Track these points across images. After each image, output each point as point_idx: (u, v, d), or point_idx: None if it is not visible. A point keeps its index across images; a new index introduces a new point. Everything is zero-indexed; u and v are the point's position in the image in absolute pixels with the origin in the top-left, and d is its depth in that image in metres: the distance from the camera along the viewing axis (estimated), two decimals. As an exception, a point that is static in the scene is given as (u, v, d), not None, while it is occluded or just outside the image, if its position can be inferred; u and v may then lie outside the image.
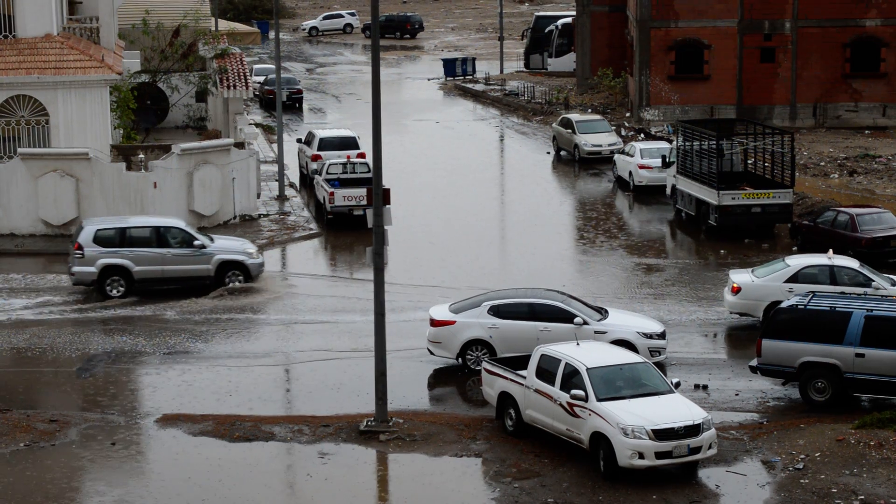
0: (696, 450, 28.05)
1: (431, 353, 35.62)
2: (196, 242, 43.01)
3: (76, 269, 42.49)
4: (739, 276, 39.11)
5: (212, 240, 43.72)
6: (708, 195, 49.89)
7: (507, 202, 58.55)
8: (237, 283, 43.08)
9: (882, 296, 36.23)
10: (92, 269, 42.40)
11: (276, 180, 57.70)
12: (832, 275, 38.26)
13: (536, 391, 29.87)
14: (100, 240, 42.59)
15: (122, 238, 42.83)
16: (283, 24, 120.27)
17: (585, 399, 28.60)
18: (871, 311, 31.84)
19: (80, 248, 42.42)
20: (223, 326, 39.57)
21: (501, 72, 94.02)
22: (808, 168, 59.60)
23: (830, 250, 40.01)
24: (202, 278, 43.01)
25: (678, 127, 54.74)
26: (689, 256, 48.28)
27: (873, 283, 37.87)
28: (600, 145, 64.37)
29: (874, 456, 28.82)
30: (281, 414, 32.49)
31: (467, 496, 27.82)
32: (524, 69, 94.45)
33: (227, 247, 43.86)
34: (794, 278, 38.26)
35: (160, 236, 43.00)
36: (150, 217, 46.05)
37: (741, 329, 38.85)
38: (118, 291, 42.48)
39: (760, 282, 38.52)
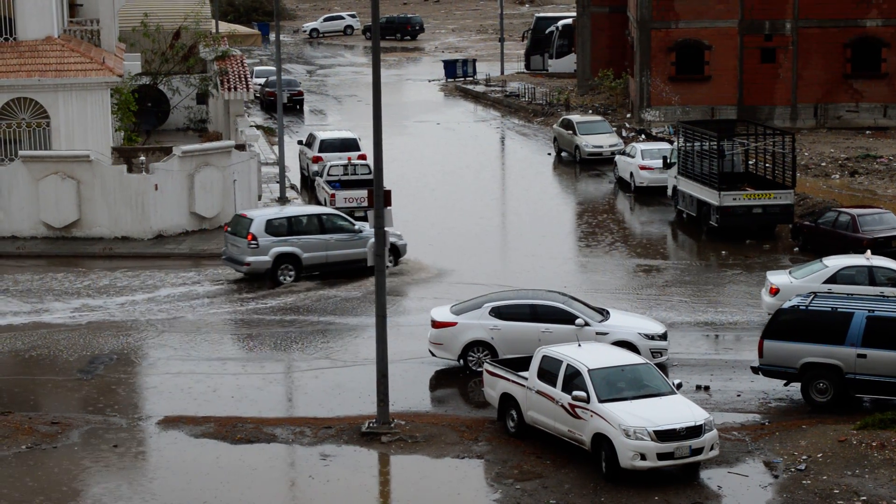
0: (698, 451, 28.03)
1: (433, 354, 35.61)
2: (355, 227, 44.84)
3: (251, 258, 43.78)
4: (777, 278, 38.97)
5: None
6: (709, 196, 49.87)
7: (508, 203, 58.54)
8: (389, 264, 43.97)
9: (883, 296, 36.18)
10: (266, 258, 43.87)
11: (277, 182, 57.67)
12: (871, 275, 38.10)
13: (538, 392, 29.85)
14: (271, 230, 43.99)
15: (289, 227, 44.32)
16: (283, 26, 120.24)
17: (587, 400, 28.59)
18: (873, 311, 31.83)
19: (255, 238, 43.76)
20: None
21: (502, 73, 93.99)
22: (809, 169, 59.58)
23: (868, 251, 39.90)
24: (359, 261, 44.38)
25: (679, 128, 54.73)
26: (691, 257, 48.26)
27: None
28: (601, 146, 64.37)
29: (876, 457, 28.80)
30: (283, 416, 32.51)
31: (469, 498, 27.81)
32: (525, 70, 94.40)
33: None
34: (833, 279, 38.07)
35: (322, 223, 44.70)
36: (303, 206, 47.59)
37: (743, 330, 38.83)
38: (289, 278, 43.85)
39: (799, 283, 38.23)
